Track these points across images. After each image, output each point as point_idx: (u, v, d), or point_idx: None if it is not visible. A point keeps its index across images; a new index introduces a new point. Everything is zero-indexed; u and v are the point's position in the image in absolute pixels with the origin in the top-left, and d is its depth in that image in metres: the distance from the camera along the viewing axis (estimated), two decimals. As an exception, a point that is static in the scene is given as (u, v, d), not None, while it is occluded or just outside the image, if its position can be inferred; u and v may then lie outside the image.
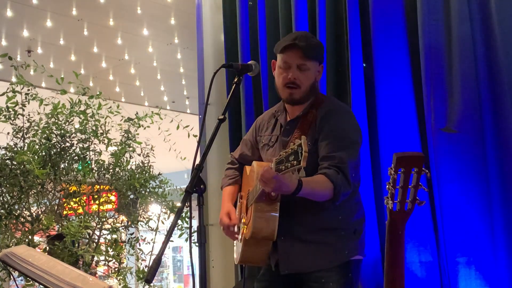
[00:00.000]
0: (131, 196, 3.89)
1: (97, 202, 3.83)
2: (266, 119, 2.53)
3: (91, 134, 3.82)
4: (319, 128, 2.25)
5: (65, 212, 3.82)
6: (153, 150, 4.02)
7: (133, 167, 3.94)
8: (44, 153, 3.67)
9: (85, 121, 3.80)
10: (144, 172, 3.92)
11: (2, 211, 3.56)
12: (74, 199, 3.76)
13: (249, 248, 2.26)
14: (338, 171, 2.13)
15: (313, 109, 2.32)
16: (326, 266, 2.24)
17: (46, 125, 3.73)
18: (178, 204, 3.07)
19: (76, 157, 3.79)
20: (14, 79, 3.76)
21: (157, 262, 1.74)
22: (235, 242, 2.49)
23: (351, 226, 2.30)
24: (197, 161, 1.96)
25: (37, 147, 3.61)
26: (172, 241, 1.94)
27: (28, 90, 3.70)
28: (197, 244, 1.89)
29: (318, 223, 2.26)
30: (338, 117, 2.28)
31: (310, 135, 2.26)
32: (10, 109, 3.67)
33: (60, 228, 3.64)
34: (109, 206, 3.95)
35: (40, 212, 3.73)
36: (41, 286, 2.09)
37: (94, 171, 3.82)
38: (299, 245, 2.26)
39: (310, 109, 2.32)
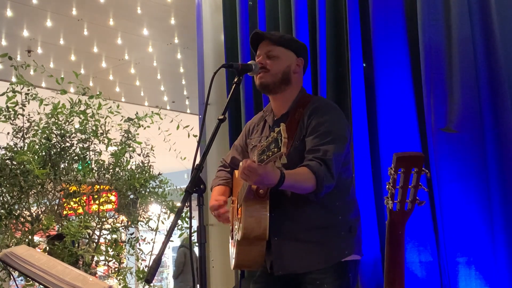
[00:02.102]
0: (131, 196, 3.89)
1: (97, 202, 3.83)
2: (256, 122, 2.53)
3: (91, 134, 3.82)
4: (306, 125, 2.26)
5: (65, 212, 3.82)
6: (153, 150, 4.02)
7: (133, 167, 3.94)
8: (44, 153, 3.67)
9: (85, 121, 3.80)
10: (144, 172, 3.92)
11: (2, 211, 3.56)
12: (74, 199, 3.76)
13: (243, 250, 2.23)
14: (321, 163, 2.13)
15: (300, 108, 2.32)
16: (321, 266, 2.22)
17: (46, 125, 3.73)
18: (178, 204, 3.07)
19: (76, 157, 3.79)
20: (14, 79, 3.76)
21: (157, 262, 1.74)
22: (230, 247, 2.48)
23: (346, 224, 2.28)
24: (197, 161, 1.96)
25: (37, 147, 3.61)
26: (172, 241, 1.94)
27: (28, 90, 3.70)
28: (197, 244, 1.89)
29: (312, 221, 2.24)
30: (324, 113, 2.28)
31: (298, 133, 2.26)
32: (10, 109, 3.67)
33: (60, 228, 3.65)
34: (109, 206, 3.94)
35: (40, 212, 3.73)
36: (41, 286, 2.09)
37: (94, 171, 3.82)
38: (294, 244, 2.24)
39: (297, 108, 2.33)
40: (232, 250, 2.38)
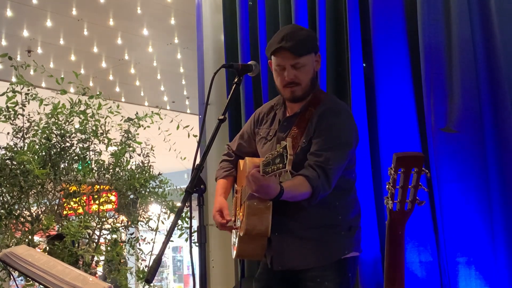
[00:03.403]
0: (131, 196, 3.89)
1: (97, 202, 3.83)
2: (265, 112, 2.51)
3: (91, 134, 3.82)
4: (315, 126, 2.25)
5: (65, 212, 3.82)
6: (153, 150, 4.02)
7: (133, 167, 3.94)
8: (44, 153, 3.67)
9: (85, 121, 3.80)
10: (144, 172, 3.92)
11: (2, 211, 3.55)
12: (74, 199, 3.75)
13: (244, 244, 2.27)
14: (320, 173, 2.14)
15: (312, 107, 2.32)
16: (321, 263, 2.24)
17: (46, 125, 3.73)
18: (178, 204, 3.07)
19: (76, 157, 3.79)
20: (14, 79, 3.76)
21: (157, 262, 1.74)
22: (232, 237, 2.48)
23: (346, 223, 2.30)
24: (197, 161, 1.96)
25: (37, 147, 3.61)
26: (172, 241, 1.94)
27: (28, 90, 3.70)
28: (197, 244, 1.90)
29: (314, 219, 2.26)
30: (334, 116, 2.28)
31: (306, 133, 2.26)
32: (10, 109, 3.66)
33: (60, 228, 3.64)
34: (109, 206, 3.94)
35: (40, 212, 3.72)
36: (41, 286, 2.09)
37: (94, 171, 3.82)
38: (294, 241, 2.26)
39: (308, 107, 2.32)
40: (235, 240, 2.40)
